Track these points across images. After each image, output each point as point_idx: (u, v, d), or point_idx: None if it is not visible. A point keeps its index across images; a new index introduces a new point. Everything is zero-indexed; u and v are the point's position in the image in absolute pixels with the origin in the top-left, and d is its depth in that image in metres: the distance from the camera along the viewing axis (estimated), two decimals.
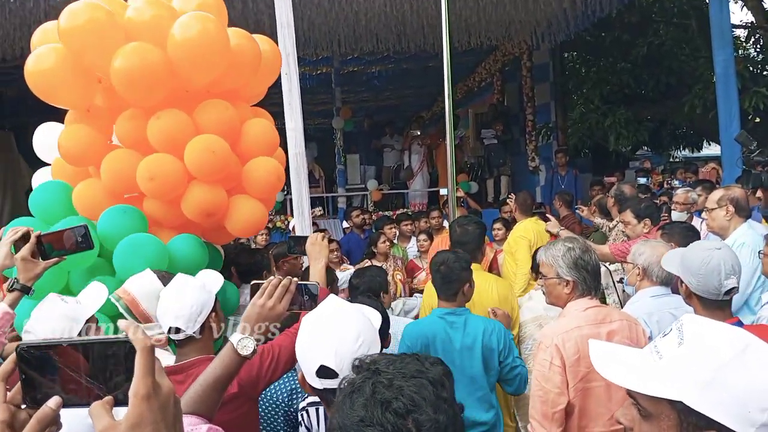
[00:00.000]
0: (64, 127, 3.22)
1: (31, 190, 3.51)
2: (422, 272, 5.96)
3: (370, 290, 3.31)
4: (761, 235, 3.37)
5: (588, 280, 2.46)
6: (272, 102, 3.92)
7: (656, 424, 1.09)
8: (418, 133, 12.55)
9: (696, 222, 4.77)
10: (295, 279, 1.77)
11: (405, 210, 10.16)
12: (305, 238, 2.70)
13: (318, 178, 11.93)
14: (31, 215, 3.32)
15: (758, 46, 12.09)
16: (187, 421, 1.44)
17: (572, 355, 2.30)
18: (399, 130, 13.13)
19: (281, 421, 2.54)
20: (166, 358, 2.24)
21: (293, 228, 4.25)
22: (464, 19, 8.55)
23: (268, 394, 2.57)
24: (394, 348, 2.95)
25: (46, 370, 0.82)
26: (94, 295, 2.27)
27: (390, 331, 2.78)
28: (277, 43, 3.68)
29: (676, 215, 5.05)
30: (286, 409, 2.54)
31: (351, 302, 1.85)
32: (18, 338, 2.12)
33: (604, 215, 6.00)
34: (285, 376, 2.40)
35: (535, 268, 3.92)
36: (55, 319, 2.03)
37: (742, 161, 4.45)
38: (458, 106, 13.12)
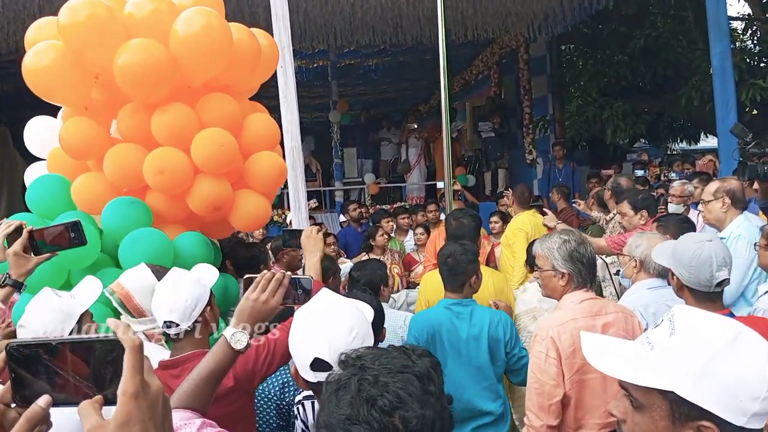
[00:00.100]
0: (65, 121, 3.19)
1: (25, 185, 3.49)
2: (419, 266, 5.96)
3: (370, 283, 3.33)
4: (757, 227, 3.37)
5: (583, 273, 2.47)
6: (268, 95, 3.91)
7: (648, 415, 1.09)
8: (416, 126, 12.54)
9: (693, 214, 4.77)
10: (289, 273, 1.76)
11: (402, 203, 10.15)
12: (300, 231, 2.71)
13: (315, 171, 11.93)
14: (28, 210, 3.31)
15: (755, 38, 12.07)
16: (181, 415, 1.44)
17: (568, 347, 2.30)
18: (396, 124, 13.13)
19: (273, 415, 2.54)
20: (162, 352, 2.24)
21: (290, 222, 4.25)
22: (461, 11, 8.54)
23: (260, 387, 2.57)
24: (398, 341, 2.96)
25: (35, 368, 0.82)
26: (89, 290, 2.27)
27: (386, 325, 2.78)
28: (272, 35, 3.67)
29: (672, 207, 5.05)
30: (278, 402, 2.54)
31: (346, 296, 1.85)
32: (14, 333, 2.11)
33: (602, 208, 6.01)
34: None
35: (530, 261, 3.93)
36: (49, 313, 2.02)
37: (738, 153, 4.44)
38: (455, 99, 13.10)
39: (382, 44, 9.66)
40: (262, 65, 3.41)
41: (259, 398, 2.57)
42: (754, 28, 11.85)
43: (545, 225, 5.03)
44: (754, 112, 10.00)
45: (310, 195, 7.99)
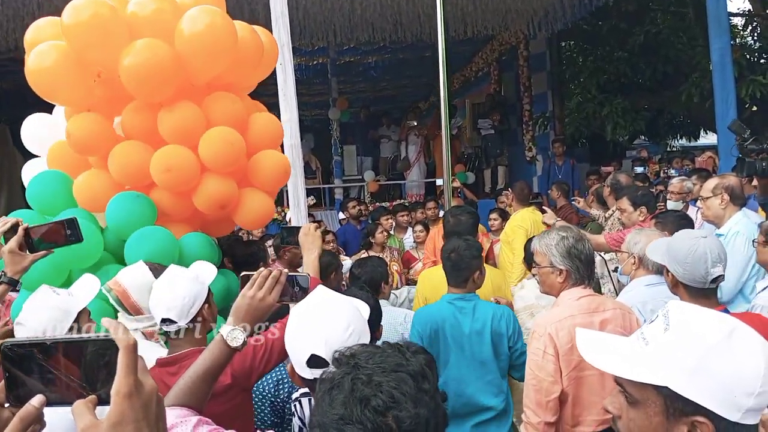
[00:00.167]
0: (72, 117, 3.18)
1: (23, 182, 3.48)
2: (418, 263, 5.96)
3: (371, 280, 3.33)
4: (756, 223, 3.37)
5: (581, 269, 2.47)
6: (267, 93, 3.91)
7: (643, 410, 1.09)
8: (415, 123, 12.51)
9: (692, 211, 4.77)
10: (285, 270, 1.76)
11: (402, 201, 10.15)
12: (298, 228, 2.70)
13: (315, 169, 11.92)
14: (29, 207, 3.29)
15: (755, 34, 12.04)
16: (177, 413, 1.44)
17: (565, 344, 2.31)
18: (396, 121, 13.10)
19: (268, 412, 2.54)
20: (159, 350, 2.24)
21: (290, 219, 4.25)
22: (460, 8, 8.52)
23: (255, 385, 2.57)
24: (397, 337, 2.96)
25: (29, 368, 0.82)
26: (87, 287, 2.26)
27: (385, 322, 2.78)
28: (272, 33, 3.66)
29: (671, 204, 5.05)
30: (273, 399, 2.54)
31: (344, 293, 1.85)
32: (11, 331, 2.11)
33: (602, 205, 6.00)
34: None
35: (527, 258, 3.93)
36: (47, 310, 2.02)
37: (736, 149, 4.43)
38: (455, 96, 13.09)
39: (381, 41, 9.63)
40: (262, 63, 3.41)
41: (253, 395, 2.57)
42: (754, 24, 11.82)
43: (544, 222, 5.03)
44: (754, 108, 9.98)
45: (309, 193, 8.01)
